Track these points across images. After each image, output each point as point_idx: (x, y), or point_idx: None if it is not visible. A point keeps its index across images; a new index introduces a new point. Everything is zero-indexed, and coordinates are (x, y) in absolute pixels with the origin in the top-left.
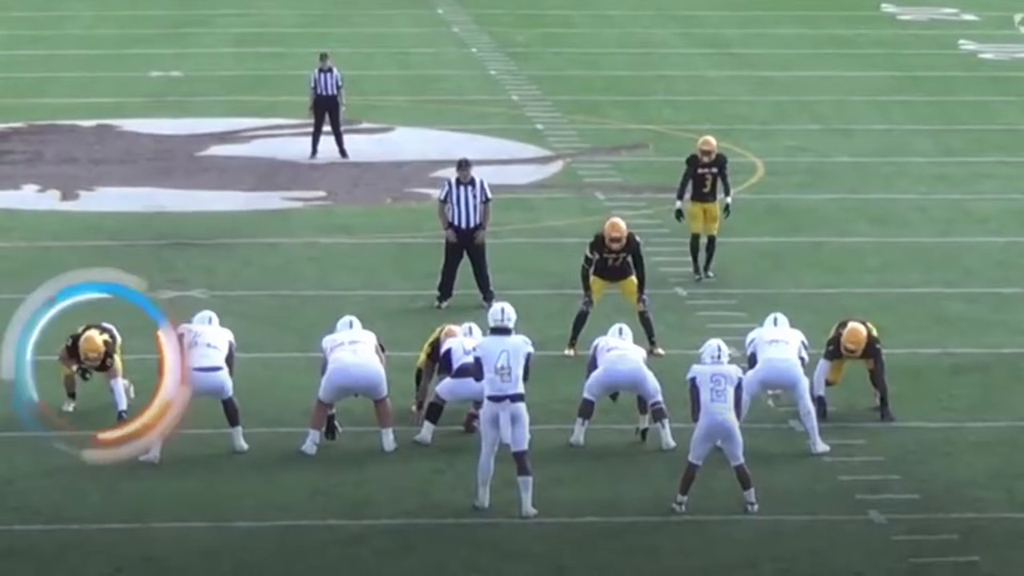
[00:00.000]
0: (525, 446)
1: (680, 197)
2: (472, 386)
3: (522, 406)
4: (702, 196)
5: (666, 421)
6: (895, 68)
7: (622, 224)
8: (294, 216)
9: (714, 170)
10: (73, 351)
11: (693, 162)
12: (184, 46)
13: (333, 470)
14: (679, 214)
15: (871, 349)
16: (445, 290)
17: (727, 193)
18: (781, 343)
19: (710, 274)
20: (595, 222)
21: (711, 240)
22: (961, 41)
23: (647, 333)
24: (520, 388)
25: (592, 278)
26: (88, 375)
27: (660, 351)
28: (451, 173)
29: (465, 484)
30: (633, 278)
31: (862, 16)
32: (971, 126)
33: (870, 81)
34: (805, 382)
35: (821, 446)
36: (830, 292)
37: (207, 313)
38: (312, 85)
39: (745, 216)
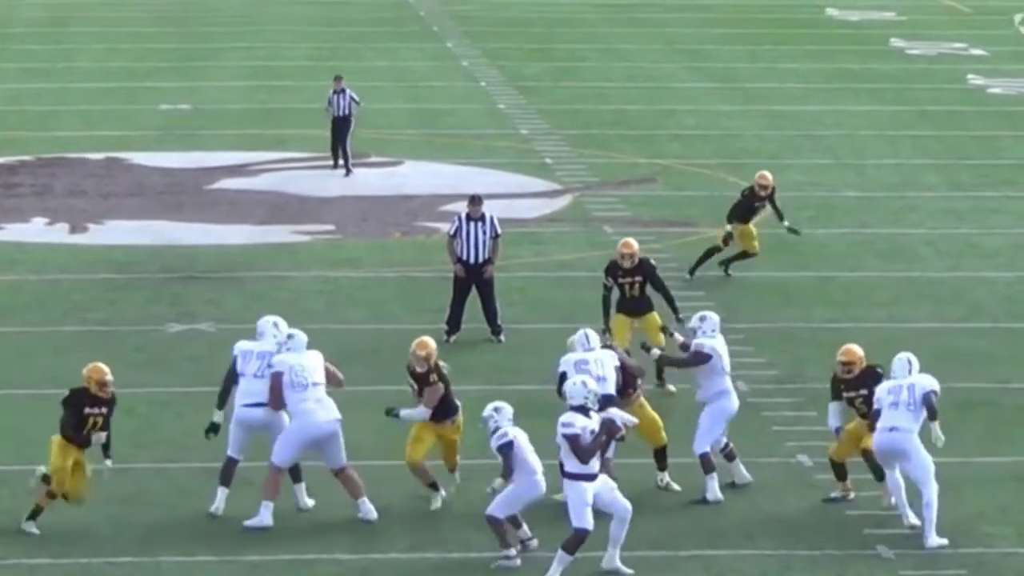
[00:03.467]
0: None
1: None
2: None
3: None
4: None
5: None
6: (904, 103)
7: (634, 242)
8: (302, 250)
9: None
10: (78, 399)
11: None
12: (193, 79)
13: (340, 503)
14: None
15: (869, 377)
16: (453, 324)
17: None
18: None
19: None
20: (604, 256)
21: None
22: (970, 76)
23: (657, 370)
24: None
25: (616, 318)
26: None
27: (671, 387)
28: (460, 207)
29: (475, 517)
30: (655, 315)
31: (871, 51)
32: (980, 160)
33: (879, 115)
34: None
35: (934, 539)
36: (838, 327)
37: (298, 335)
38: (327, 106)
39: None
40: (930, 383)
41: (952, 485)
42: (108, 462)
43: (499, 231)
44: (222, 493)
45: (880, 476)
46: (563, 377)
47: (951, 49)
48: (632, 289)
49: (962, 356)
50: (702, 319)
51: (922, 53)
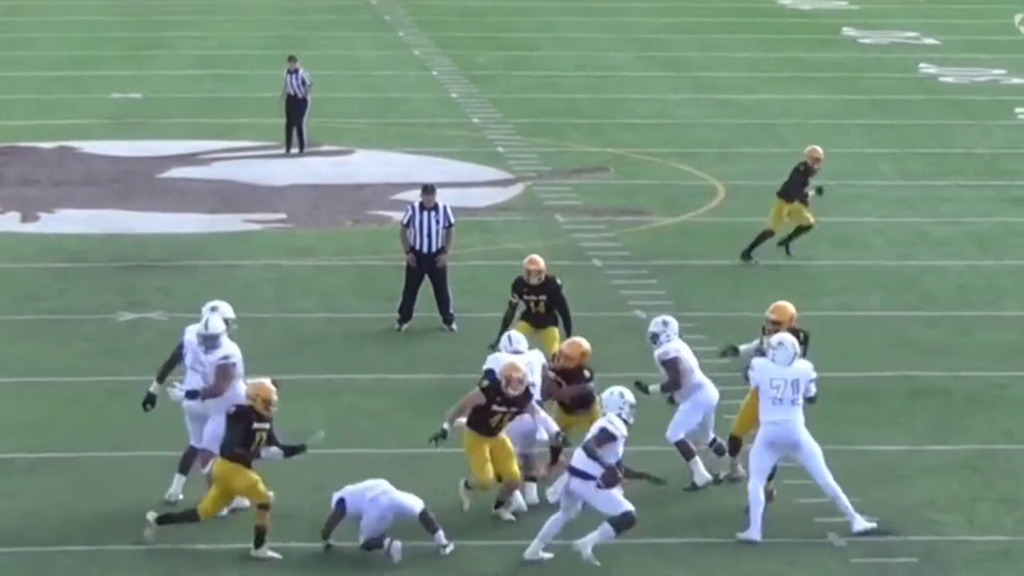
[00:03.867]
0: None
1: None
2: None
3: None
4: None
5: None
6: (856, 92)
7: (540, 259)
8: (254, 238)
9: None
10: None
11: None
12: (144, 68)
13: (294, 492)
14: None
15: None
16: (405, 313)
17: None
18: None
19: None
20: (555, 245)
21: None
22: (922, 64)
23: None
24: None
25: (519, 324)
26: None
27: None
28: (412, 196)
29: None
30: (554, 329)
31: (823, 40)
32: (931, 149)
33: (830, 104)
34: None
35: (860, 523)
36: (822, 315)
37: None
38: (283, 86)
39: (705, 239)
40: (809, 373)
41: (902, 473)
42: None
43: (452, 220)
44: (178, 480)
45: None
46: (489, 374)
47: (903, 38)
48: (537, 306)
49: (913, 345)
50: (665, 324)
51: (874, 42)
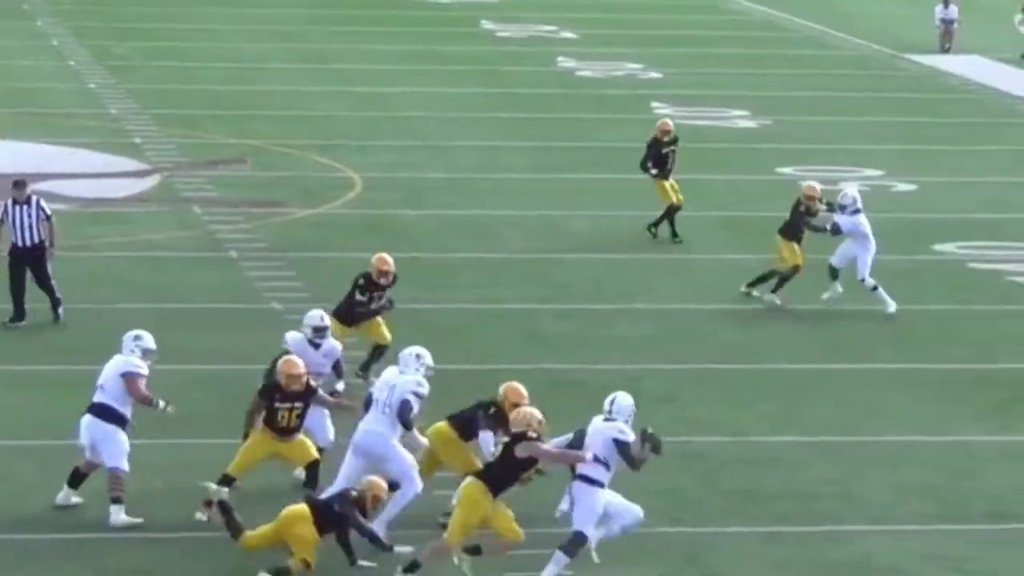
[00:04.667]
0: None
1: None
2: None
3: None
4: None
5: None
6: (493, 84)
7: (389, 258)
8: None
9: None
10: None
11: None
12: None
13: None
14: None
15: None
16: (17, 308)
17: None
18: None
19: None
20: (192, 236)
21: None
22: (560, 58)
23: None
24: None
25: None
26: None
27: None
28: (44, 186)
29: None
30: (380, 320)
31: (461, 33)
32: (567, 143)
33: (467, 97)
34: None
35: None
36: (427, 307)
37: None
38: None
39: (343, 231)
40: (407, 386)
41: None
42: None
43: (48, 212)
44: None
45: None
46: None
47: (541, 32)
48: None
49: (548, 337)
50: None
51: (512, 35)
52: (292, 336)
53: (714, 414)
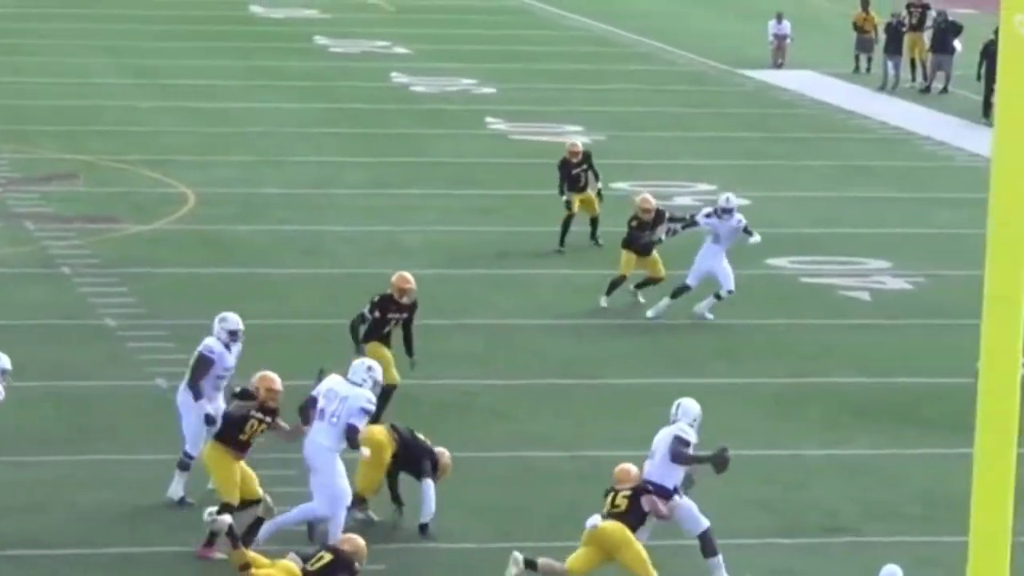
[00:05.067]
0: None
1: None
2: None
3: None
4: None
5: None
6: (327, 100)
7: (410, 276)
8: None
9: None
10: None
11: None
12: None
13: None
14: None
15: None
16: None
17: None
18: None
19: None
20: (25, 252)
21: None
22: (393, 73)
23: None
24: None
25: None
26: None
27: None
28: None
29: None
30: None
31: (295, 48)
32: (402, 158)
33: (302, 113)
34: None
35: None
36: (265, 323)
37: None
38: None
39: (176, 247)
40: (357, 401)
41: None
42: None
43: None
44: None
45: None
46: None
47: (375, 47)
48: (396, 325)
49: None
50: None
51: (346, 51)
52: (212, 342)
53: (549, 429)
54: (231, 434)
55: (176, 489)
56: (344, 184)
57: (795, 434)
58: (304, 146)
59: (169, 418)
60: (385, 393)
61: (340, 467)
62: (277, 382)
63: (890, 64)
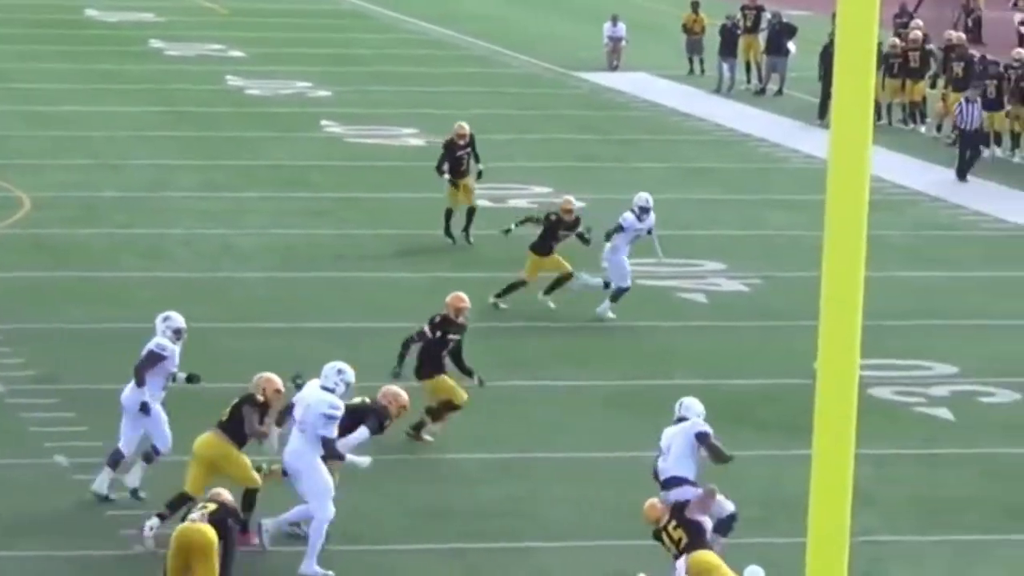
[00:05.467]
0: None
1: None
2: None
3: None
4: None
5: None
6: (163, 103)
7: (465, 296)
8: None
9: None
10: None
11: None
12: None
13: None
14: None
15: None
16: None
17: None
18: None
19: None
20: None
21: None
22: (228, 77)
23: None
24: None
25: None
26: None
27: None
28: None
29: None
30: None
31: (131, 52)
32: (237, 161)
33: (139, 116)
34: None
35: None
36: (99, 327)
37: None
38: None
39: (11, 252)
40: (318, 408)
41: None
42: None
43: None
44: None
45: None
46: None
47: (209, 50)
48: (453, 347)
49: (224, 356)
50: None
51: (181, 54)
52: (164, 340)
53: (397, 433)
54: (238, 430)
55: (101, 484)
56: (180, 187)
57: (638, 436)
58: (141, 149)
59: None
60: (454, 407)
61: (320, 466)
62: (279, 382)
63: (725, 66)
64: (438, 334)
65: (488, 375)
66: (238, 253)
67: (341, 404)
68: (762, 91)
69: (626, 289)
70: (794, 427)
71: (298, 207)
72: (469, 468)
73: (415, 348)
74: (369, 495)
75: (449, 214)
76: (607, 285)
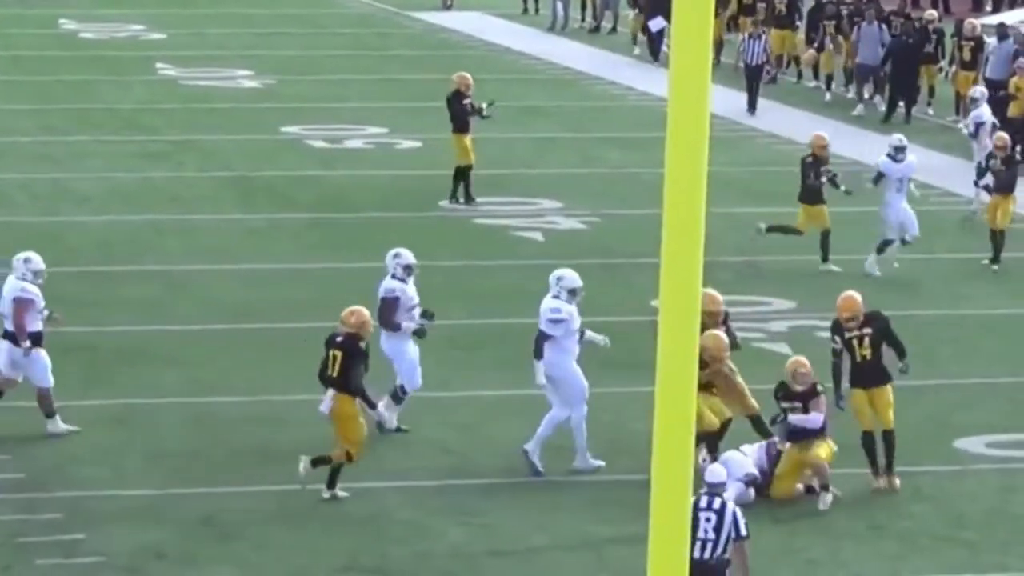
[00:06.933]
0: None
1: None
2: None
3: None
4: None
5: None
6: None
7: (857, 297)
8: None
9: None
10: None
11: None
12: None
13: None
14: None
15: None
16: None
17: None
18: None
19: None
20: None
21: None
22: (62, 20)
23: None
24: None
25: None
26: None
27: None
28: None
29: None
30: (888, 388)
31: None
32: (72, 105)
33: None
34: None
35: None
36: None
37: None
38: None
39: None
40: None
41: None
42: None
43: None
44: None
45: None
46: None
47: None
48: (860, 344)
49: (60, 299)
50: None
51: None
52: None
53: (225, 375)
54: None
55: None
56: (16, 132)
57: (473, 375)
58: None
59: None
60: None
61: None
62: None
63: (559, 4)
64: (837, 338)
65: (325, 317)
66: (76, 197)
67: (564, 307)
68: (596, 29)
69: (891, 241)
70: (635, 364)
71: (134, 150)
72: (297, 409)
73: None
74: (198, 438)
75: (467, 173)
76: (904, 241)
